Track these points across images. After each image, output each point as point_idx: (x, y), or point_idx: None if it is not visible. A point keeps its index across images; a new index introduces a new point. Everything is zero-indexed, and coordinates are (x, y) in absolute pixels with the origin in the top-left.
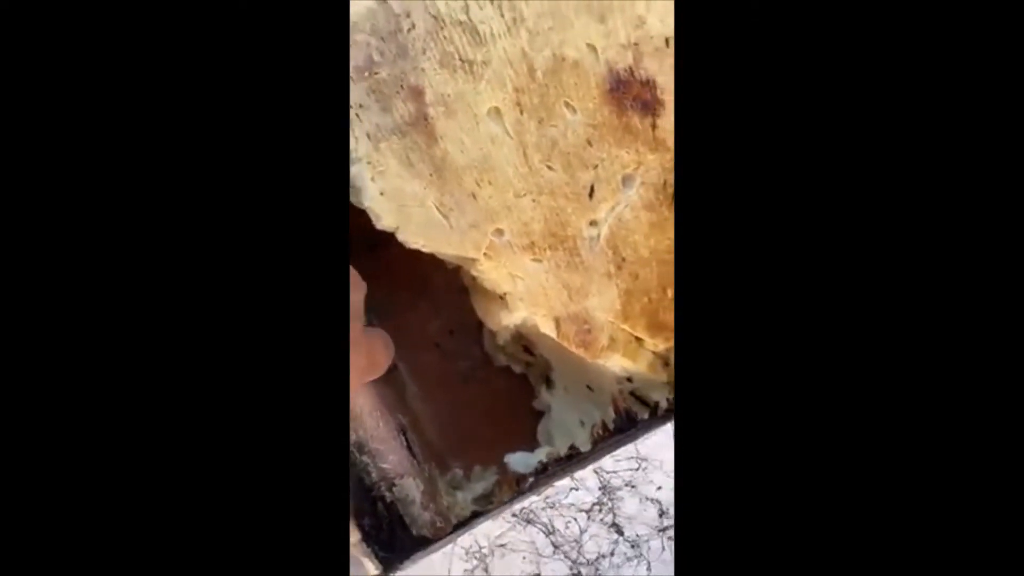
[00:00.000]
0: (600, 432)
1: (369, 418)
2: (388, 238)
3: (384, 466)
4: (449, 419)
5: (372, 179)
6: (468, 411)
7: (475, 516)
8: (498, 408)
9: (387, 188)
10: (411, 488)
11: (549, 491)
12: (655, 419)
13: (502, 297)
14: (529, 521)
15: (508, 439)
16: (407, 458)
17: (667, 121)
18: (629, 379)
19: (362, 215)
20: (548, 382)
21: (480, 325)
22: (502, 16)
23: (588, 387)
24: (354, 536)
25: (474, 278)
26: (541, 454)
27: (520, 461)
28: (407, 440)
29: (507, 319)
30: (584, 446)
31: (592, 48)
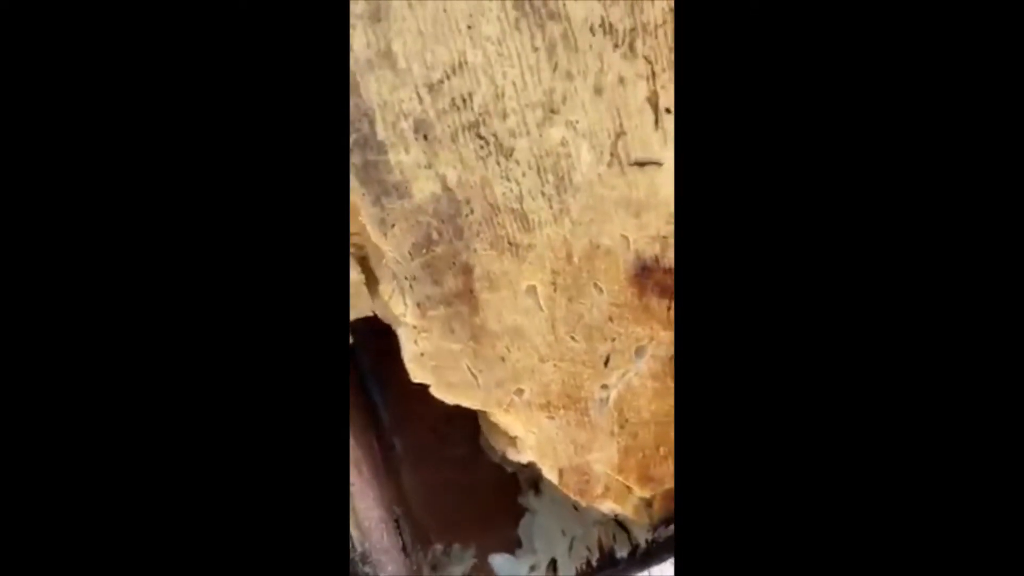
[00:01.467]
0: (584, 567)
1: (375, 530)
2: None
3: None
4: (437, 499)
5: (415, 342)
6: (455, 493)
7: None
8: (484, 496)
9: (428, 350)
10: None
11: None
12: (633, 561)
13: (512, 438)
14: None
15: (490, 525)
16: (403, 563)
17: None
18: (615, 516)
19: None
20: (536, 489)
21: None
22: (550, 207)
23: (574, 507)
24: None
25: (489, 420)
26: (525, 566)
27: (504, 567)
28: (402, 537)
29: (513, 456)
30: (566, 570)
31: (625, 238)
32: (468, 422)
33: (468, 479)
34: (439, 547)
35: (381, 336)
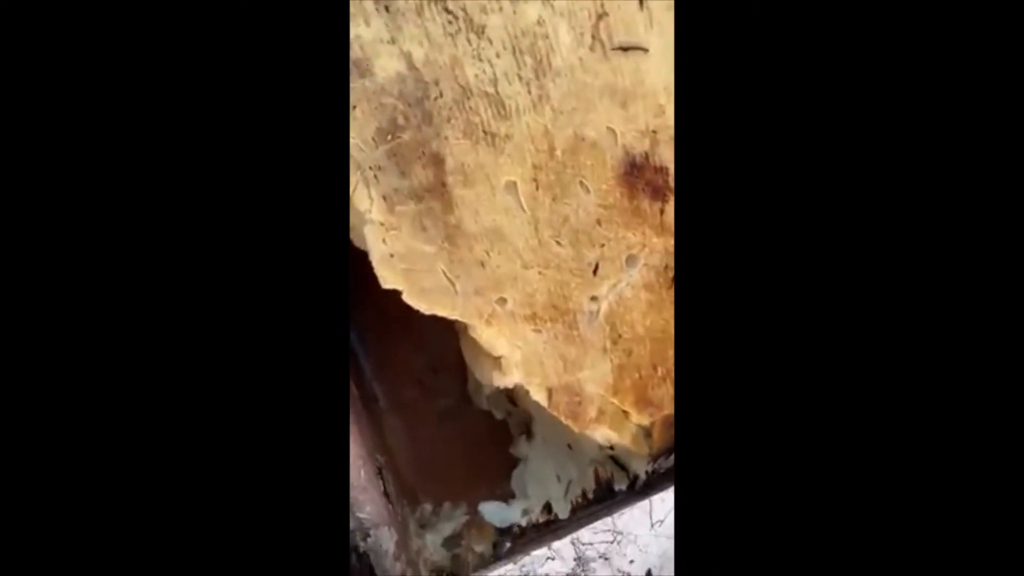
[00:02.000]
0: (579, 500)
1: (352, 467)
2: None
3: (361, 516)
4: (424, 454)
5: (384, 241)
6: (443, 448)
7: None
8: (474, 448)
9: (397, 251)
10: (385, 538)
11: (525, 560)
12: (633, 492)
13: (496, 359)
14: None
15: (481, 480)
16: (384, 506)
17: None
18: (611, 447)
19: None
20: (528, 432)
21: (464, 365)
22: (529, 93)
23: (568, 445)
24: None
25: (470, 336)
26: (517, 510)
27: (495, 513)
28: (384, 485)
29: (499, 380)
30: (561, 508)
31: (612, 131)
32: (455, 373)
33: (456, 432)
34: (428, 507)
35: (360, 281)
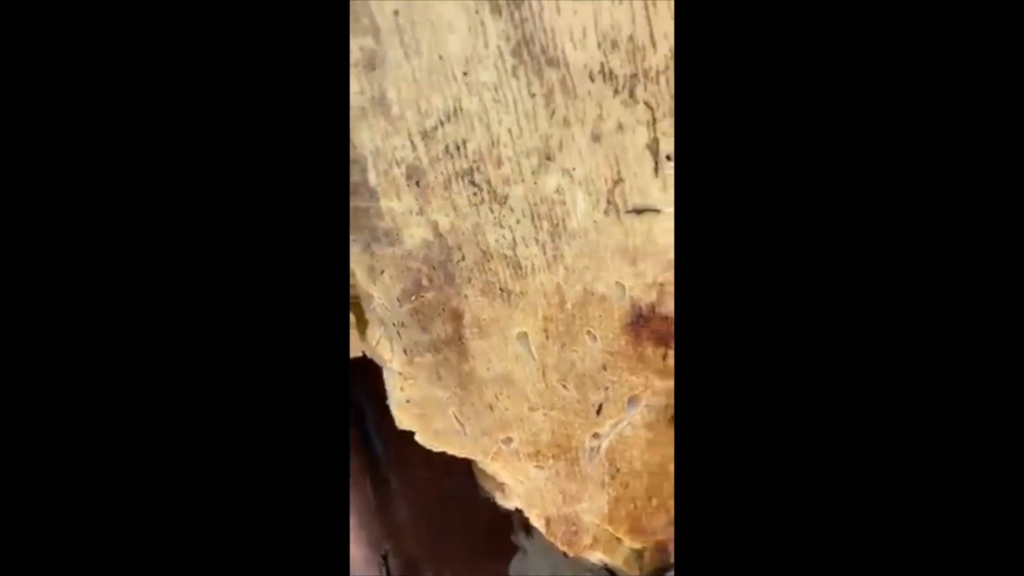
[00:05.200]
0: None
1: (359, 567)
2: None
3: None
4: (429, 531)
5: (401, 388)
6: (446, 527)
7: None
8: (478, 530)
9: (413, 397)
10: None
11: None
12: None
13: (500, 483)
14: None
15: (482, 561)
16: None
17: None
18: (605, 565)
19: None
20: (527, 530)
21: None
22: (544, 254)
23: (564, 554)
24: None
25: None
26: None
27: None
28: (388, 571)
29: (500, 501)
30: None
31: (621, 286)
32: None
33: (459, 514)
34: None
35: (376, 372)
